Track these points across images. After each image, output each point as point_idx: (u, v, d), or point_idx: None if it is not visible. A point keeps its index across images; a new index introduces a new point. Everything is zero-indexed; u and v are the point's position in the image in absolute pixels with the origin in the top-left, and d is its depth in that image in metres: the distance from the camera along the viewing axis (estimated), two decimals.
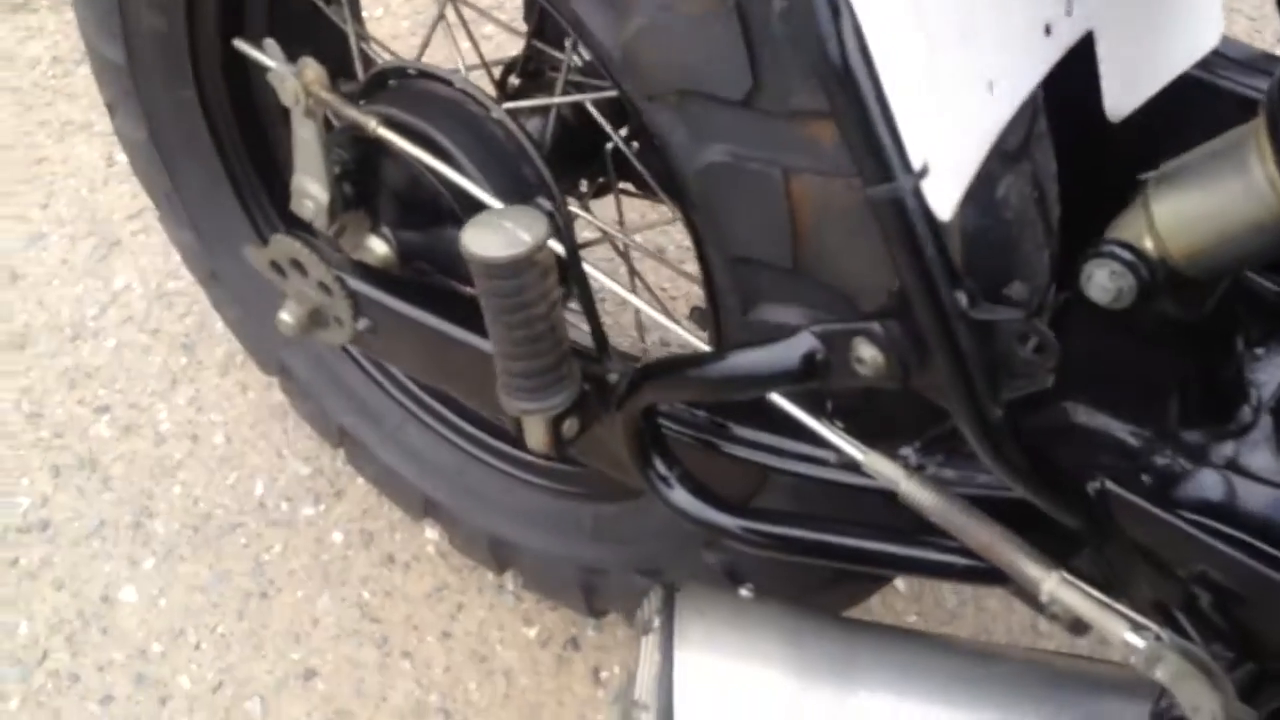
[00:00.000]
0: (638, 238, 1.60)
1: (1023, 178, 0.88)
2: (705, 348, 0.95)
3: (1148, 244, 0.78)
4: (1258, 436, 0.86)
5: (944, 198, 0.68)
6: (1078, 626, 0.84)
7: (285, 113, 1.09)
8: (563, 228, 0.82)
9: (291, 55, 1.06)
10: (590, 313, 0.87)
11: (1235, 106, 0.89)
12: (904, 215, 0.68)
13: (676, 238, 1.98)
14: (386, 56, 1.24)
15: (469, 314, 1.01)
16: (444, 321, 1.02)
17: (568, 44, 1.20)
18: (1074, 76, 0.85)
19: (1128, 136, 0.90)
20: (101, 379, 1.88)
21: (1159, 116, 0.88)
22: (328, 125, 1.11)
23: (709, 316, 1.05)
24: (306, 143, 1.07)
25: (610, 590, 1.40)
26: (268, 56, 1.06)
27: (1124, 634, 0.78)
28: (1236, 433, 0.86)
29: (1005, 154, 0.86)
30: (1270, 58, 0.92)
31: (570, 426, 0.87)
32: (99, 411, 1.84)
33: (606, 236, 1.25)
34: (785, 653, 0.95)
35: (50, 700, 1.54)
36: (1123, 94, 0.87)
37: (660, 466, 0.91)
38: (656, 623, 0.97)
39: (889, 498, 0.85)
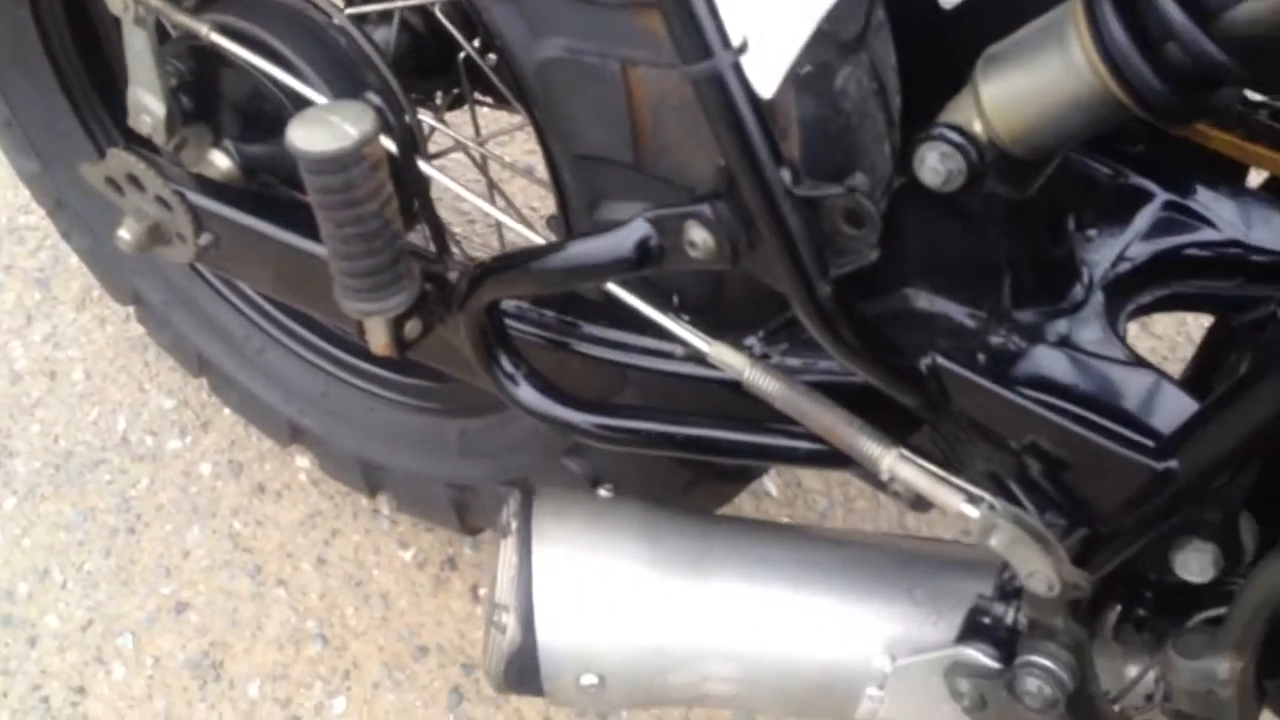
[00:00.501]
0: (499, 152, 1.58)
1: (861, 68, 0.89)
2: None
3: (976, 126, 0.79)
4: (1089, 314, 0.88)
5: (765, 75, 0.69)
6: (918, 503, 0.86)
7: (119, 24, 1.05)
8: (395, 124, 0.81)
9: None
10: (428, 212, 0.86)
11: None
12: (725, 93, 0.68)
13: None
14: None
15: (312, 224, 0.99)
16: (287, 232, 1.00)
17: None
18: None
19: (964, 23, 0.91)
20: None
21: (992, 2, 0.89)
22: (163, 36, 1.07)
23: (561, 221, 1.05)
24: (139, 54, 1.04)
25: (481, 506, 1.40)
26: None
27: (960, 505, 0.81)
28: (1069, 310, 0.88)
29: (842, 44, 0.86)
30: None
31: (413, 328, 0.87)
32: None
33: (460, 146, 1.24)
34: (642, 548, 0.97)
35: None
36: None
37: (506, 365, 0.90)
38: (514, 526, 0.97)
39: (735, 388, 0.87)
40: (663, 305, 0.88)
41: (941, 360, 0.80)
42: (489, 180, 1.34)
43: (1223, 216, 0.93)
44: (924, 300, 0.89)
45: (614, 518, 0.97)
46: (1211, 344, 0.99)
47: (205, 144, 1.11)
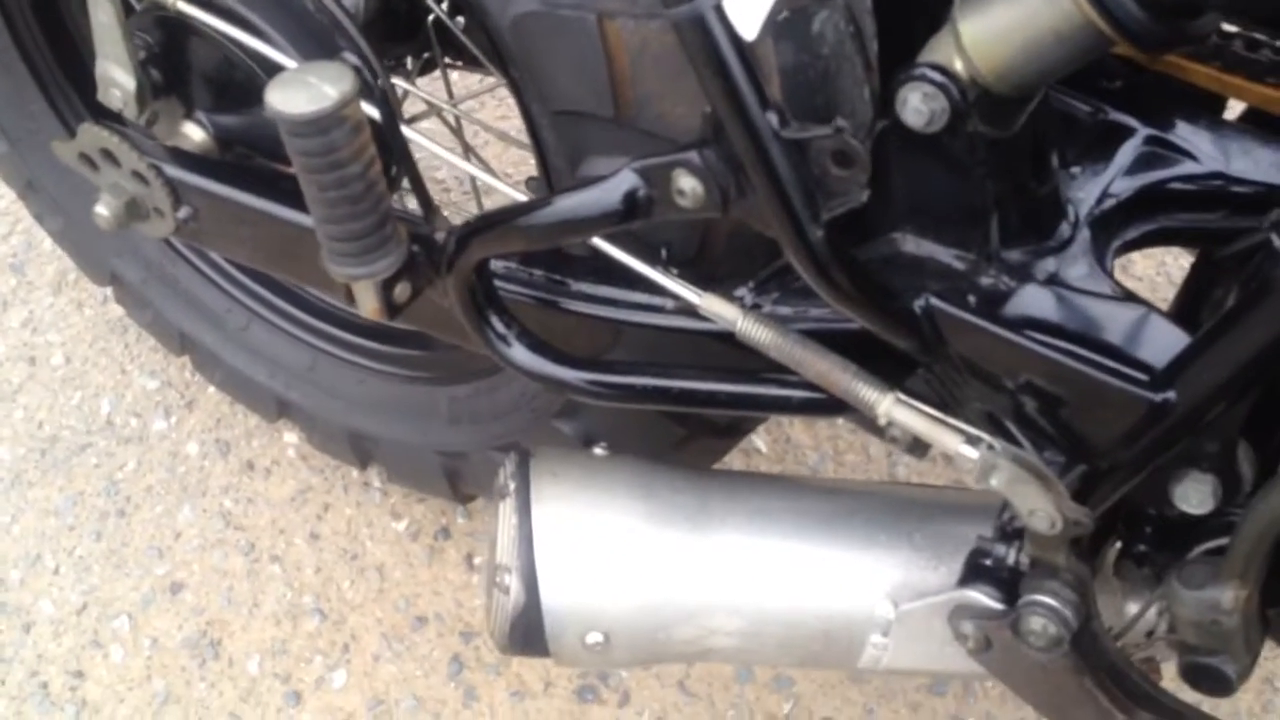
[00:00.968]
0: (472, 115, 1.57)
1: (838, 12, 0.88)
2: None
3: (957, 64, 0.78)
4: (1076, 251, 0.88)
5: (747, 17, 0.68)
6: (916, 446, 0.86)
7: None
8: (374, 85, 0.80)
9: None
10: (412, 174, 0.85)
11: None
12: (708, 36, 0.67)
13: (518, 123, 1.95)
14: None
15: (293, 194, 0.98)
16: (268, 201, 0.99)
17: None
18: None
19: None
20: None
21: None
22: (129, 8, 1.05)
23: (542, 181, 1.04)
24: (106, 27, 1.02)
25: (473, 473, 1.39)
26: None
27: (959, 447, 0.81)
28: (1056, 248, 0.88)
29: None
30: None
31: (402, 291, 0.86)
32: None
33: (434, 110, 1.23)
34: (641, 504, 0.96)
35: None
36: None
37: (497, 324, 0.90)
38: (512, 487, 0.97)
39: (728, 339, 0.86)
40: (652, 259, 0.87)
41: (935, 301, 0.80)
42: (464, 144, 1.33)
43: (1203, 149, 0.93)
44: (911, 244, 0.89)
45: (612, 475, 0.97)
46: (1197, 278, 0.99)
47: (177, 117, 1.09)
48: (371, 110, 0.81)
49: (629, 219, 0.78)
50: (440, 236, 0.86)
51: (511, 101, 1.94)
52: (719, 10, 0.67)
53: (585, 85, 0.88)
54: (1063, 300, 0.84)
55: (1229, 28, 0.90)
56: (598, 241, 0.87)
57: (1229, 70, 0.90)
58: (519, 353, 0.90)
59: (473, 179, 1.44)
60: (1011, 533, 0.88)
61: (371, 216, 0.79)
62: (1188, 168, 0.92)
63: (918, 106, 0.79)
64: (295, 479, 1.63)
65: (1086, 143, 0.92)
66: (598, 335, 0.98)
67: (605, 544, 0.95)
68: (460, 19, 1.25)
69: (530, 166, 1.81)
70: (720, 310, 0.85)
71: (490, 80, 1.36)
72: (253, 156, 1.10)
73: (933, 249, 0.87)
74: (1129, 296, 0.85)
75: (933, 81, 0.78)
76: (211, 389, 1.68)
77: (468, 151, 1.34)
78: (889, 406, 0.81)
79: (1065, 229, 0.88)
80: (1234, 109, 0.95)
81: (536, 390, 1.20)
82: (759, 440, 1.63)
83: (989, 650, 0.90)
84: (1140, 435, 0.78)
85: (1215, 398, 0.76)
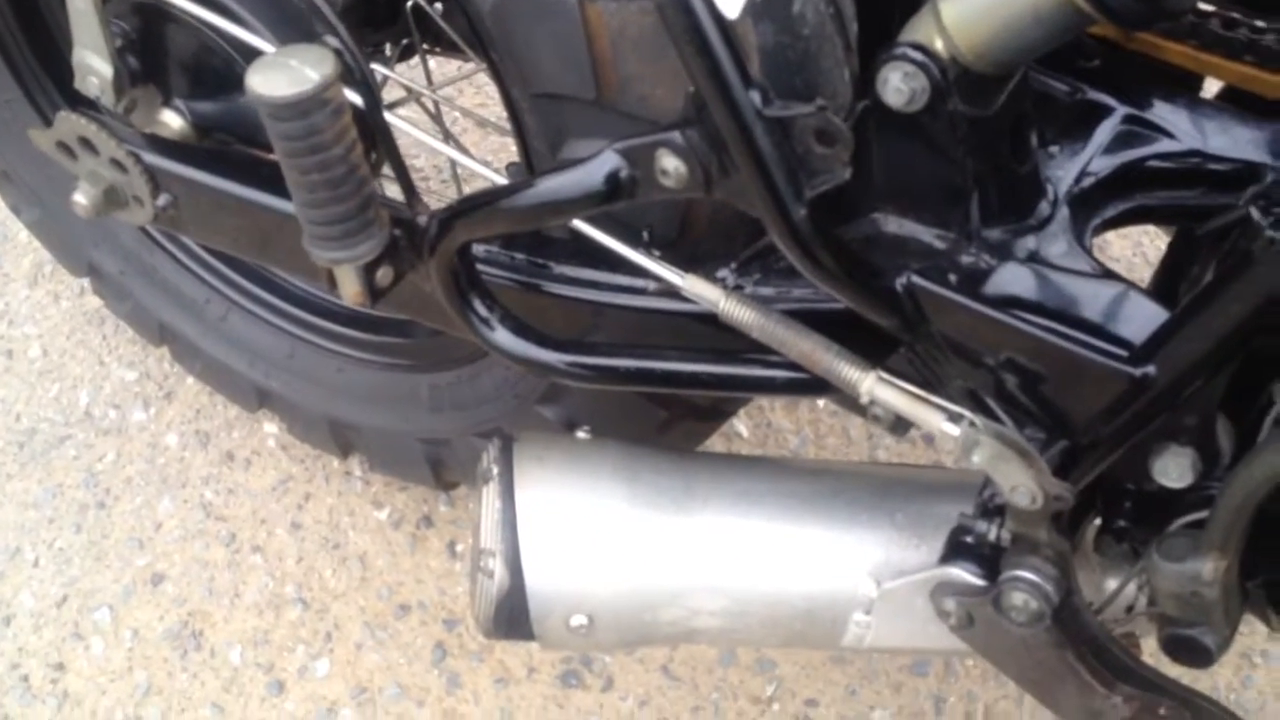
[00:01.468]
0: (454, 93, 1.56)
1: None
2: None
3: (937, 43, 0.79)
4: (1055, 229, 0.88)
5: None
6: (898, 425, 0.86)
7: None
8: (355, 68, 0.80)
9: None
10: (394, 157, 0.85)
11: None
12: (691, 15, 0.68)
13: (496, 110, 1.95)
14: None
15: (273, 180, 0.98)
16: (248, 188, 0.98)
17: None
18: None
19: None
20: None
21: None
22: None
23: (523, 166, 1.04)
24: (82, 14, 1.02)
25: (456, 460, 1.39)
26: None
27: (941, 424, 0.81)
28: (1036, 227, 0.88)
29: None
30: None
31: (384, 275, 0.86)
32: None
33: (412, 95, 1.22)
34: (624, 487, 0.97)
35: None
36: None
37: (480, 308, 0.90)
38: (495, 471, 0.97)
39: (711, 321, 0.86)
40: (634, 242, 0.87)
41: (917, 279, 0.80)
42: (444, 130, 1.33)
43: (1181, 127, 0.94)
44: (893, 224, 0.89)
45: (595, 458, 0.97)
46: (1175, 255, 1.00)
47: (155, 104, 1.09)
48: (352, 95, 0.80)
49: (612, 200, 0.78)
50: (423, 220, 0.86)
51: (489, 89, 1.94)
52: None
53: (567, 68, 0.88)
54: (1043, 278, 0.85)
55: (1205, 6, 0.91)
56: (580, 224, 0.87)
57: (1205, 49, 0.91)
58: (502, 336, 0.90)
59: (453, 164, 1.44)
60: (992, 510, 0.88)
61: (353, 200, 0.79)
62: (1165, 146, 0.92)
63: (898, 86, 0.79)
64: (276, 469, 1.63)
65: (1065, 122, 0.93)
66: (579, 318, 0.98)
67: (589, 526, 0.95)
68: (439, 4, 1.25)
69: (508, 154, 1.81)
70: (703, 291, 0.85)
71: (468, 66, 1.36)
72: (231, 143, 1.09)
73: (914, 228, 0.88)
74: (1108, 274, 0.85)
75: (913, 61, 0.79)
76: (190, 380, 1.67)
77: (447, 137, 1.33)
78: (871, 385, 0.82)
79: (1045, 207, 0.89)
80: (1210, 87, 0.96)
81: (519, 376, 1.20)
82: (740, 424, 1.63)
83: (971, 626, 0.90)
84: (1120, 410, 0.79)
85: (1194, 372, 0.77)
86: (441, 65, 1.58)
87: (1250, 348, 0.77)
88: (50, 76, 1.38)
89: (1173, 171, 0.93)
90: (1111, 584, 0.93)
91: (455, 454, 1.38)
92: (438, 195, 1.67)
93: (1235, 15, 0.90)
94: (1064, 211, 0.89)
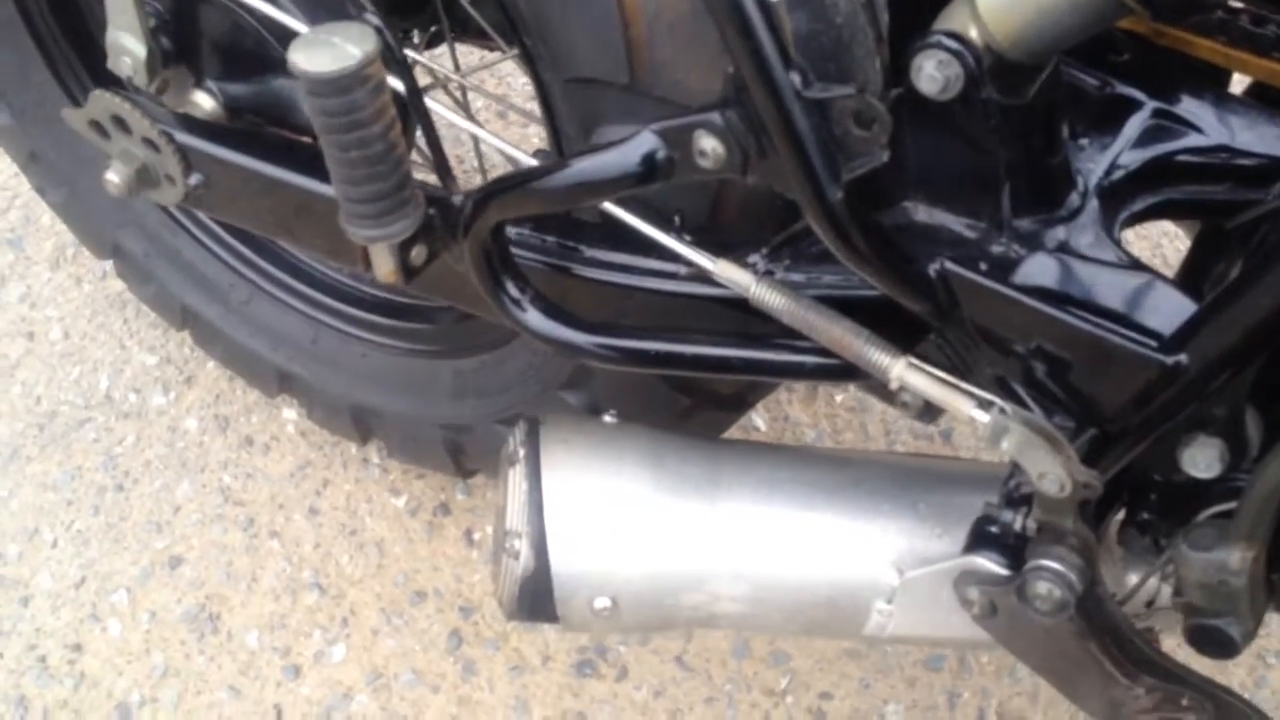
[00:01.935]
0: (476, 83, 1.57)
1: None
2: None
3: (972, 31, 0.79)
4: (1085, 220, 0.89)
5: None
6: (927, 412, 0.87)
7: None
8: (394, 45, 0.80)
9: None
10: (430, 136, 0.86)
11: None
12: None
13: (519, 99, 1.95)
14: None
15: (305, 161, 0.99)
16: (280, 168, 0.99)
17: None
18: None
19: None
20: None
21: None
22: None
23: (552, 153, 1.05)
24: None
25: (476, 447, 1.40)
26: None
27: (970, 411, 0.81)
28: (1066, 218, 0.89)
29: None
30: None
31: (418, 254, 0.86)
32: None
33: (438, 82, 1.23)
34: (650, 471, 0.97)
35: None
36: None
37: (512, 289, 0.90)
38: (522, 454, 0.97)
39: (740, 305, 0.87)
40: (665, 226, 0.88)
41: (950, 265, 0.80)
42: (470, 116, 1.33)
43: (1209, 122, 0.94)
44: (924, 213, 0.90)
45: (621, 442, 0.97)
46: (1201, 249, 1.00)
47: (187, 85, 1.09)
48: (395, 81, 0.81)
49: (649, 180, 0.78)
50: (458, 200, 0.86)
51: (510, 79, 1.95)
52: None
53: (601, 52, 0.88)
54: (1073, 267, 0.85)
55: (1235, 2, 0.91)
56: (611, 207, 0.88)
57: (1234, 45, 0.91)
58: (533, 317, 0.91)
59: (478, 150, 1.45)
60: (1018, 499, 0.89)
61: (391, 178, 0.79)
62: (1194, 140, 0.93)
63: (932, 73, 0.80)
64: (294, 455, 1.63)
65: (1095, 115, 0.93)
66: (610, 301, 0.99)
67: (614, 510, 0.95)
68: None
69: (529, 145, 1.82)
70: (734, 275, 0.85)
71: (491, 56, 1.36)
72: (262, 124, 1.10)
73: (945, 216, 0.88)
74: (1137, 265, 0.86)
75: (948, 49, 0.79)
76: (210, 364, 1.68)
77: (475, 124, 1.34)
78: (901, 371, 0.82)
79: (1075, 199, 0.89)
80: (1239, 83, 0.96)
81: (543, 361, 1.21)
82: (758, 418, 1.64)
83: (994, 616, 0.90)
84: (1150, 399, 0.79)
85: (1224, 362, 0.77)
86: (464, 55, 1.59)
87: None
88: (80, 58, 1.39)
89: (1201, 166, 0.93)
90: (1133, 578, 0.94)
91: (476, 441, 1.38)
92: (462, 185, 1.68)
93: (1264, 12, 0.90)
94: (1093, 203, 0.89)
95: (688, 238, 0.88)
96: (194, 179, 1.02)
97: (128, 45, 1.05)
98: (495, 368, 1.28)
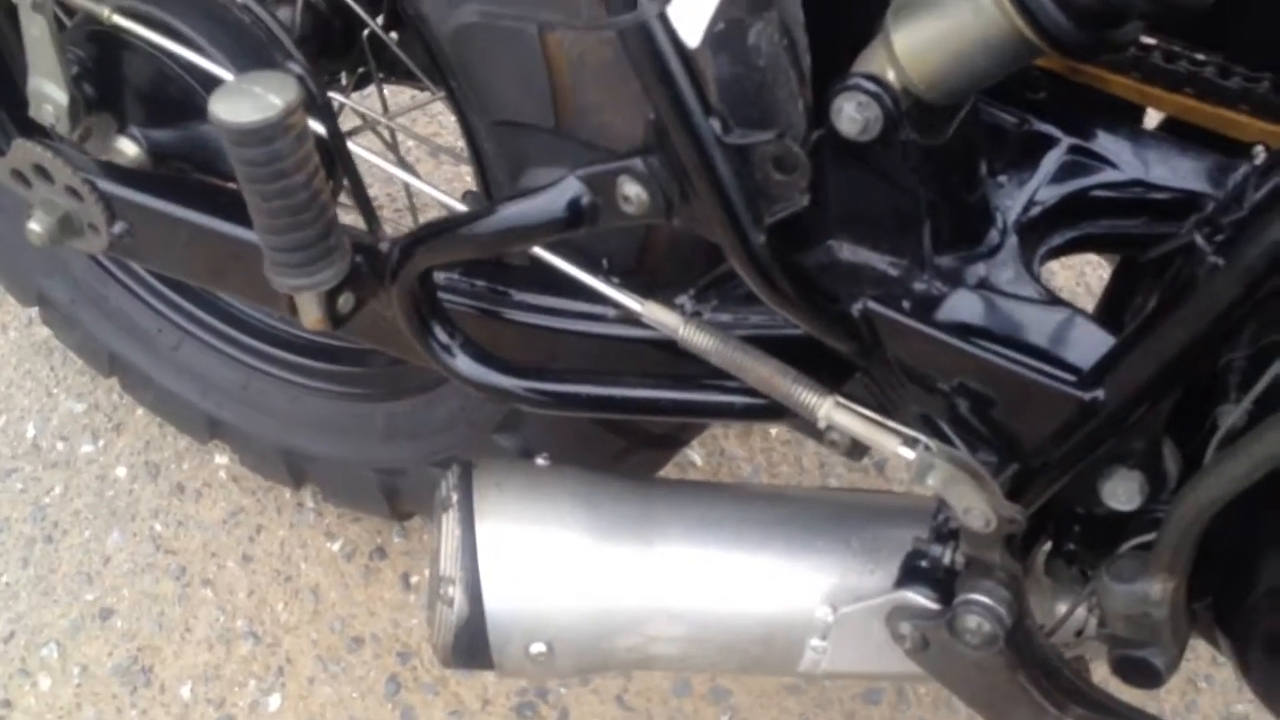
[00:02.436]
0: (407, 123, 1.57)
1: (772, 25, 0.90)
2: None
3: (890, 74, 0.81)
4: (1005, 256, 0.90)
5: (690, 25, 0.69)
6: (855, 449, 0.88)
7: (13, 11, 1.03)
8: (317, 94, 0.80)
9: None
10: (355, 183, 0.86)
11: None
12: (652, 43, 0.69)
13: (449, 140, 1.95)
14: None
15: (231, 208, 0.98)
16: (205, 215, 0.98)
17: None
18: None
19: None
20: None
21: None
22: (62, 23, 1.05)
23: (480, 195, 1.05)
24: (38, 41, 1.02)
25: (411, 490, 1.39)
26: None
27: (896, 448, 0.82)
28: (986, 254, 0.90)
29: (753, 1, 0.87)
30: None
31: (345, 301, 0.86)
32: None
33: (367, 124, 1.23)
34: (583, 514, 0.97)
35: None
36: None
37: (441, 335, 0.90)
38: (455, 498, 0.97)
39: (669, 347, 0.87)
40: (593, 269, 0.88)
41: (873, 305, 0.82)
42: (399, 158, 1.33)
43: (1124, 158, 0.96)
44: (848, 251, 0.91)
45: (554, 485, 0.97)
46: (1119, 283, 1.02)
47: (110, 132, 1.09)
48: (313, 122, 0.81)
49: (574, 226, 0.79)
50: (384, 246, 0.86)
51: (441, 119, 1.95)
52: (663, 18, 0.68)
53: (526, 95, 0.89)
54: (993, 304, 0.87)
55: (1148, 40, 0.93)
56: (540, 251, 0.88)
57: (1148, 81, 0.93)
58: (463, 363, 0.91)
59: (409, 193, 1.44)
60: (946, 534, 0.90)
61: (315, 226, 0.79)
62: (1109, 175, 0.95)
63: (852, 115, 0.81)
64: (227, 501, 1.61)
65: (1013, 152, 0.95)
66: (540, 345, 0.99)
67: (549, 554, 0.95)
68: (395, 34, 1.26)
69: (461, 185, 1.82)
70: (662, 318, 0.86)
71: (422, 96, 1.36)
72: (187, 171, 1.09)
73: (868, 255, 0.89)
74: (1056, 300, 0.87)
75: (867, 91, 0.80)
76: (140, 411, 1.66)
77: (404, 166, 1.34)
78: (829, 410, 0.83)
79: (994, 235, 0.91)
80: (1153, 118, 0.98)
81: (475, 404, 1.20)
82: (694, 454, 1.64)
83: (926, 650, 0.91)
84: (1070, 433, 0.81)
85: (1141, 396, 0.79)
86: (394, 95, 1.59)
87: (1196, 371, 0.79)
88: (2, 107, 1.37)
89: (1116, 200, 0.95)
90: (1062, 607, 0.95)
91: (411, 484, 1.37)
92: (392, 224, 1.67)
93: (1176, 48, 0.92)
94: (1012, 239, 0.91)
95: (616, 280, 0.89)
96: (118, 227, 1.01)
97: (49, 93, 1.04)
98: (427, 410, 1.28)
